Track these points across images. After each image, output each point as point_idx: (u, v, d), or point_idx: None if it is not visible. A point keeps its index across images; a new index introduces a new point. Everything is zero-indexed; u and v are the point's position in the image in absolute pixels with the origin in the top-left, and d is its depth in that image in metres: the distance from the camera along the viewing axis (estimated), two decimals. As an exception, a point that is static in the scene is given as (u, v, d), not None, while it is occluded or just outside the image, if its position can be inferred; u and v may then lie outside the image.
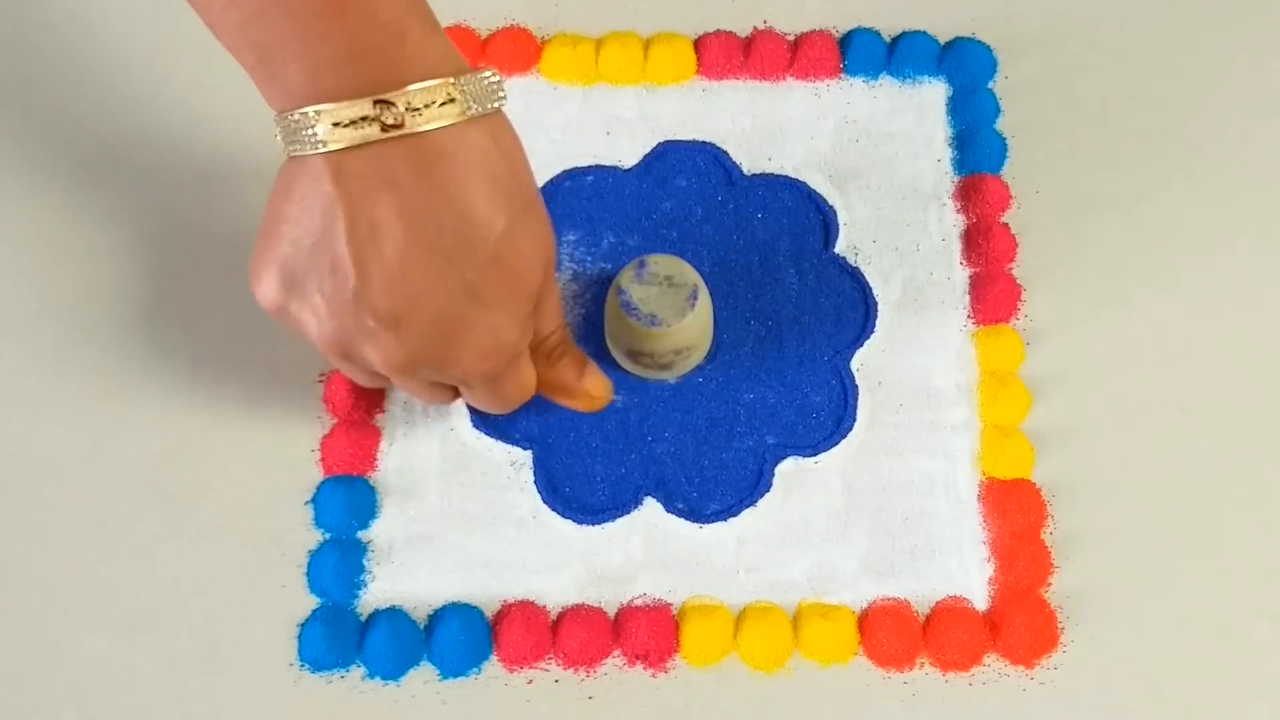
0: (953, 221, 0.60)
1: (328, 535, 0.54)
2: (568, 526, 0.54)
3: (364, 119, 0.44)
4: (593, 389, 0.55)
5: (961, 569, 0.54)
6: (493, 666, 0.52)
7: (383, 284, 0.45)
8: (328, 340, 0.47)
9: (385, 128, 0.44)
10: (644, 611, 0.53)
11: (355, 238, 0.45)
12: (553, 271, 0.50)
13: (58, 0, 0.64)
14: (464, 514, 0.55)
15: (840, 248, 0.59)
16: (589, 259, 0.59)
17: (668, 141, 0.62)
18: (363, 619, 0.53)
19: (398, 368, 0.48)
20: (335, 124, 0.44)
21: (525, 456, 0.56)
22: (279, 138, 0.46)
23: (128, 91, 0.62)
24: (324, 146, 0.44)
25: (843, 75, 0.63)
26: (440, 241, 0.45)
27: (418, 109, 0.44)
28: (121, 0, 0.64)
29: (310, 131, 0.44)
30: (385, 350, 0.47)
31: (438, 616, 0.53)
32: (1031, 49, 0.63)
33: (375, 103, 0.44)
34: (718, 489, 0.55)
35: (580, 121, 0.62)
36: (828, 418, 0.56)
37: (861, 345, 0.57)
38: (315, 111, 0.44)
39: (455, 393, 0.52)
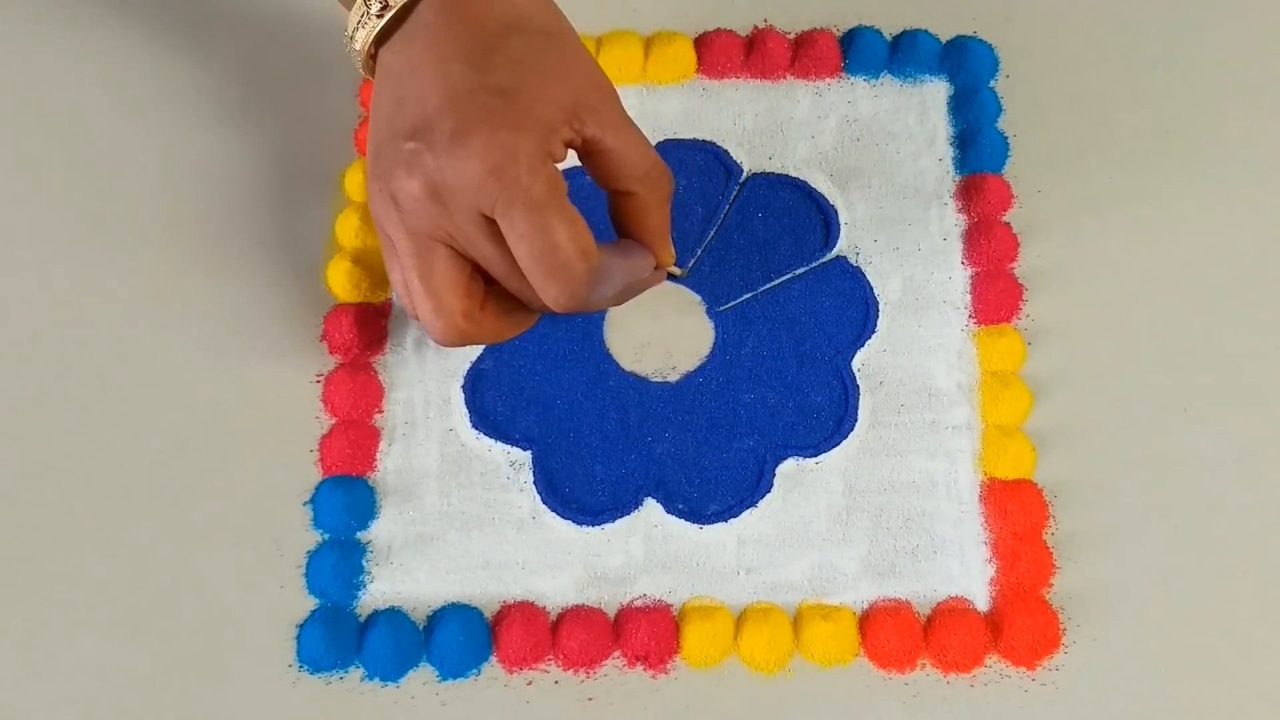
0: (954, 221, 0.60)
1: (326, 536, 0.54)
2: (567, 527, 0.54)
3: (363, 16, 0.51)
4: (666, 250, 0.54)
5: (963, 570, 0.54)
6: (492, 668, 0.52)
7: (411, 107, 0.49)
8: (377, 180, 0.50)
9: (380, 11, 0.50)
10: (644, 612, 0.53)
11: (395, 95, 0.50)
12: (598, 98, 0.50)
13: (56, 2, 0.64)
14: (463, 515, 0.54)
15: (841, 247, 0.59)
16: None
17: (668, 140, 0.61)
18: (362, 620, 0.53)
19: (427, 189, 0.48)
20: (354, 31, 0.51)
21: (525, 457, 0.55)
22: (359, 70, 0.53)
23: (127, 90, 0.62)
24: (360, 55, 0.52)
25: (844, 74, 0.63)
26: (453, 63, 0.49)
27: None
28: (120, 2, 0.64)
29: (353, 49, 0.52)
30: (412, 169, 0.48)
31: (437, 617, 0.53)
32: (1033, 48, 0.63)
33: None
34: (718, 489, 0.55)
35: (580, 121, 0.62)
36: (828, 418, 0.56)
37: (862, 345, 0.57)
38: (346, 29, 0.52)
39: (508, 260, 0.49)
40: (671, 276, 0.56)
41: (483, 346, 0.57)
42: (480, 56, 0.49)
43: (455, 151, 0.48)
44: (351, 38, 0.52)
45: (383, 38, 0.51)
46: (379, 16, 0.51)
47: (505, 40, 0.50)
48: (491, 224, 0.48)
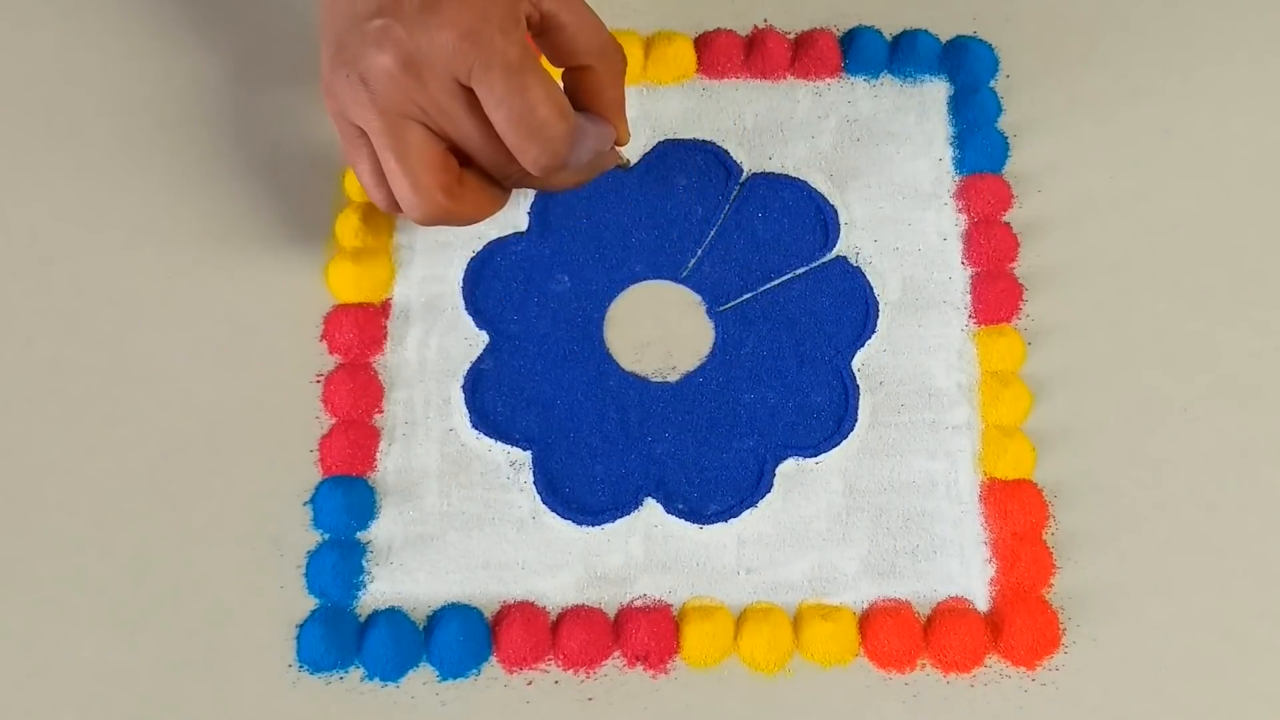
0: (954, 221, 0.60)
1: (326, 536, 0.54)
2: (567, 527, 0.54)
3: None
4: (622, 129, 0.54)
5: (963, 570, 0.54)
6: (492, 668, 0.52)
7: None
8: (342, 65, 0.49)
9: None
10: (644, 612, 0.53)
11: None
12: None
13: (55, 1, 0.64)
14: (463, 515, 0.54)
15: (841, 247, 0.59)
16: (589, 259, 0.59)
17: (668, 140, 0.61)
18: (362, 620, 0.53)
19: (400, 62, 0.47)
20: None
21: (525, 457, 0.55)
22: None
23: (127, 90, 0.62)
24: None
25: (844, 74, 0.63)
26: None
27: None
28: (120, 1, 0.64)
29: None
30: (382, 43, 0.47)
31: (437, 617, 0.53)
32: (1033, 48, 0.63)
33: None
34: (718, 489, 0.55)
35: (580, 120, 0.62)
36: (828, 418, 0.56)
37: (862, 345, 0.57)
38: None
39: (484, 129, 0.49)
40: (619, 168, 0.56)
41: (482, 348, 0.57)
42: None
43: (427, 19, 0.47)
44: None
45: None
46: None
47: None
48: (467, 92, 0.48)
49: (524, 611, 0.53)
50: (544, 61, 0.53)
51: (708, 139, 0.61)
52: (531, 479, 0.55)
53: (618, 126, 0.54)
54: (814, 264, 0.59)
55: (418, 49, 0.48)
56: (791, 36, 0.63)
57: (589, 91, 0.53)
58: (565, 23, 0.51)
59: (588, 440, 0.56)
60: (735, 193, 0.60)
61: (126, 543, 0.54)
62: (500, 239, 0.59)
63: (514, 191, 0.54)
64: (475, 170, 0.52)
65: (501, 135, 0.49)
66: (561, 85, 0.52)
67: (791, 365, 0.57)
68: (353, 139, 0.51)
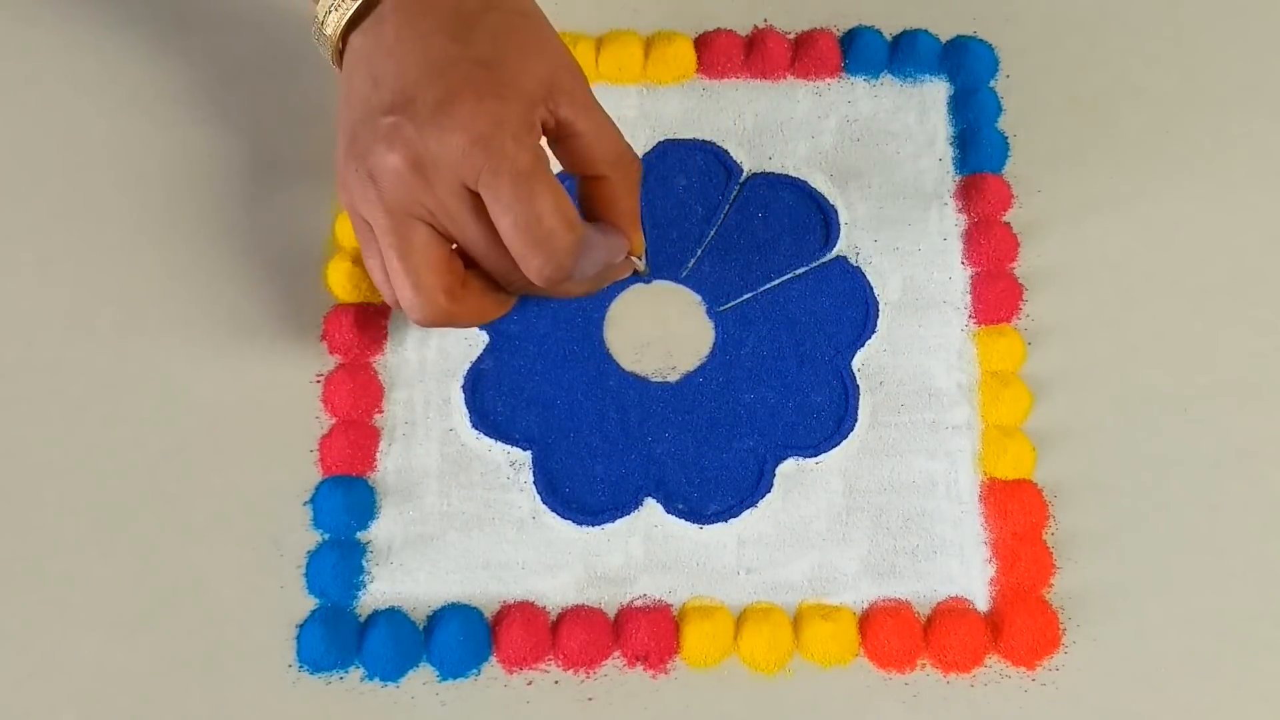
0: (954, 221, 0.60)
1: (326, 536, 0.54)
2: (567, 527, 0.54)
3: (335, 1, 0.50)
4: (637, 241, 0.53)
5: (963, 570, 0.54)
6: (492, 668, 0.52)
7: (389, 83, 0.48)
8: (353, 159, 0.49)
9: None
10: (644, 612, 0.53)
11: (371, 76, 0.49)
12: (571, 81, 0.50)
13: (55, 2, 0.64)
14: (463, 515, 0.54)
15: (841, 247, 0.59)
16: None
17: (668, 140, 0.61)
18: (362, 620, 0.53)
19: (409, 162, 0.47)
20: (325, 16, 0.51)
21: (525, 457, 0.55)
22: (328, 59, 0.53)
23: (127, 89, 0.62)
24: (332, 41, 0.51)
25: (844, 74, 0.63)
26: (432, 36, 0.49)
27: None
28: (119, 1, 0.64)
29: (323, 34, 0.51)
30: (392, 142, 0.47)
31: (437, 617, 0.53)
32: (1033, 48, 0.63)
33: None
34: (718, 489, 0.55)
35: (580, 121, 0.62)
36: (829, 418, 0.56)
37: (862, 345, 0.57)
38: (317, 16, 0.51)
39: (490, 235, 0.49)
40: (636, 275, 0.56)
41: (482, 348, 0.57)
42: (460, 30, 0.49)
43: (439, 121, 0.47)
44: (322, 23, 0.51)
45: (353, 24, 0.51)
46: None
47: (483, 16, 0.49)
48: (474, 197, 0.48)
49: (524, 611, 0.53)
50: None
51: (708, 139, 0.61)
52: (531, 479, 0.55)
53: (631, 237, 0.53)
54: (814, 264, 0.59)
55: (427, 150, 0.47)
56: (791, 36, 0.63)
57: (603, 201, 0.52)
58: (582, 131, 0.50)
59: (588, 440, 0.56)
60: (735, 193, 0.60)
61: (126, 543, 0.54)
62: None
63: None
64: (480, 274, 0.51)
65: (506, 242, 0.48)
66: (576, 192, 0.52)
67: (791, 365, 0.57)
68: (363, 233, 0.51)
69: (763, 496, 0.55)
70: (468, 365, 0.57)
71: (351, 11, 0.51)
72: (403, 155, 0.48)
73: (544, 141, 0.50)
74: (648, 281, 0.58)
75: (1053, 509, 0.54)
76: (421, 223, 0.49)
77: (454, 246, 0.50)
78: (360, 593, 0.53)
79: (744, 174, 0.61)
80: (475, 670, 0.52)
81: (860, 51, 0.63)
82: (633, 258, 0.54)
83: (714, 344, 0.57)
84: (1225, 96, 0.62)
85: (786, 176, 0.61)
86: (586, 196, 0.53)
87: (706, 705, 0.51)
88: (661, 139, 0.61)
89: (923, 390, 0.57)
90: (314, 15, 0.52)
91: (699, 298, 0.58)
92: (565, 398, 0.56)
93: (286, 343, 0.57)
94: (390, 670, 0.52)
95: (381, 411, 0.56)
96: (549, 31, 0.51)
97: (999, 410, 0.56)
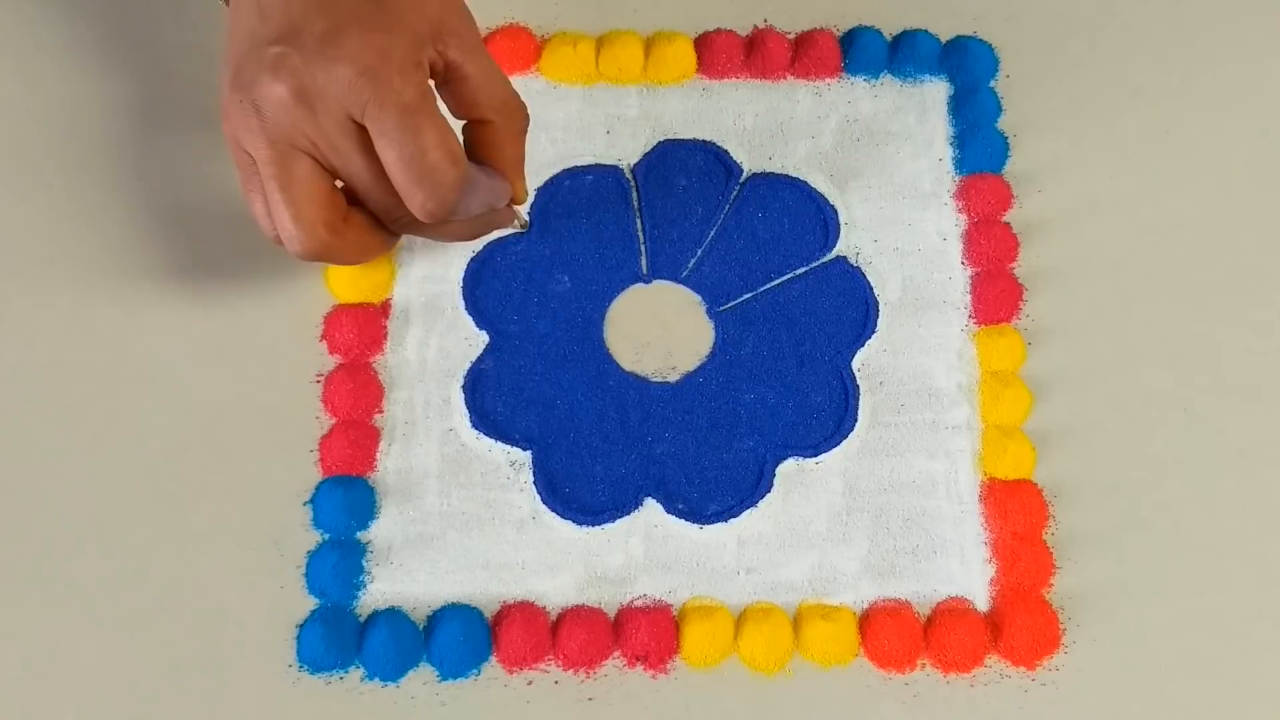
0: (954, 221, 0.60)
1: (326, 536, 0.54)
2: (567, 527, 0.54)
3: None
4: (520, 187, 0.53)
5: (963, 570, 0.54)
6: (492, 668, 0.52)
7: (275, 16, 0.48)
8: (237, 90, 0.48)
9: None
10: (644, 612, 0.53)
11: (257, 8, 0.48)
12: (461, 24, 0.50)
13: (55, 2, 0.64)
14: (463, 515, 0.54)
15: (841, 247, 0.59)
16: (589, 259, 0.59)
17: (668, 140, 0.61)
18: (362, 620, 0.53)
19: (294, 92, 0.47)
20: None
21: (525, 457, 0.55)
22: None
23: (127, 90, 0.62)
24: None
25: (844, 74, 0.63)
26: None
27: None
28: (119, 2, 0.64)
29: None
30: (278, 72, 0.47)
31: (437, 617, 0.53)
32: (1033, 48, 0.63)
33: None
34: (718, 489, 0.55)
35: (580, 121, 0.62)
36: (829, 418, 0.56)
37: (862, 345, 0.57)
38: None
39: (374, 169, 0.49)
40: (519, 230, 0.56)
41: (482, 348, 0.57)
42: None
43: (326, 52, 0.47)
44: None
45: None
46: None
47: None
48: (359, 130, 0.48)
49: (524, 611, 0.53)
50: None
51: (708, 139, 0.61)
52: (531, 479, 0.55)
53: (515, 184, 0.53)
54: (814, 264, 0.59)
55: (314, 80, 0.47)
56: (791, 36, 0.63)
57: (488, 146, 0.52)
58: (469, 74, 0.51)
59: (588, 440, 0.56)
60: (735, 193, 0.60)
61: (126, 543, 0.54)
62: (500, 239, 0.59)
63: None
64: (363, 211, 0.51)
65: (390, 176, 0.48)
66: (461, 138, 0.52)
67: (791, 365, 0.57)
68: (245, 166, 0.50)
69: (763, 496, 0.55)
70: (468, 365, 0.57)
71: None
72: (288, 85, 0.47)
73: (430, 84, 0.50)
74: (526, 234, 0.58)
75: (1053, 509, 0.54)
76: (304, 155, 0.49)
77: (338, 183, 0.50)
78: (360, 593, 0.53)
79: (744, 174, 0.61)
80: (475, 670, 0.52)
81: (860, 51, 0.63)
82: (515, 208, 0.54)
83: (714, 344, 0.57)
84: (1225, 96, 0.62)
85: (786, 176, 0.61)
86: (471, 142, 0.53)
87: (706, 705, 0.51)
88: (661, 139, 0.61)
89: (923, 390, 0.57)
90: None
91: (699, 298, 0.58)
92: (565, 398, 0.56)
93: (286, 343, 0.57)
94: (390, 670, 0.52)
95: (381, 411, 0.56)
96: None
97: (999, 410, 0.56)
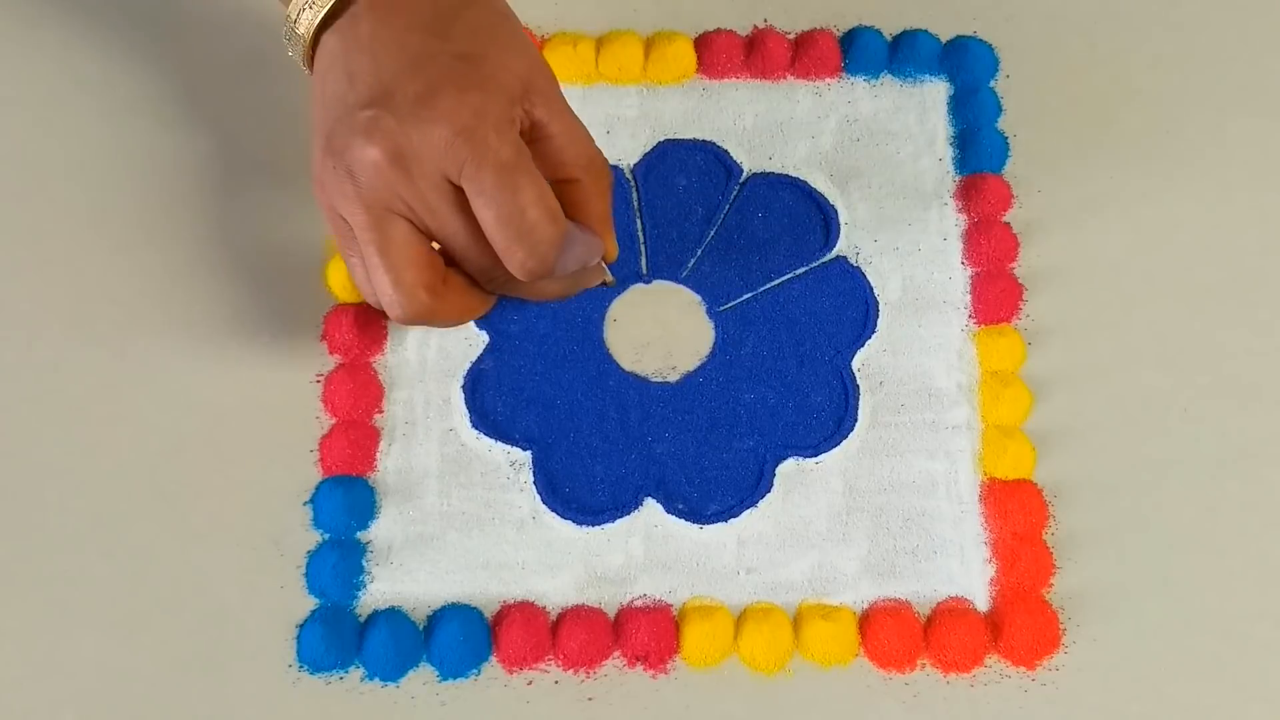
0: (954, 221, 0.60)
1: (326, 536, 0.54)
2: (568, 527, 0.54)
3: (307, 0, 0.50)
4: (611, 243, 0.53)
5: (963, 570, 0.54)
6: (492, 668, 0.52)
7: (365, 79, 0.48)
8: (330, 156, 0.48)
9: None
10: (644, 612, 0.53)
11: (346, 73, 0.49)
12: (545, 83, 0.50)
13: (55, 6, 0.64)
14: (463, 515, 0.54)
15: (841, 247, 0.59)
16: (589, 259, 0.59)
17: (668, 140, 0.61)
18: (362, 620, 0.53)
19: (389, 154, 0.47)
20: (297, 15, 0.50)
21: (525, 457, 0.55)
22: (299, 60, 0.52)
23: (126, 91, 0.62)
24: (304, 40, 0.51)
25: (844, 74, 0.63)
26: (410, 32, 0.48)
27: None
28: (120, 3, 0.64)
29: (295, 34, 0.51)
30: (372, 135, 0.47)
31: (437, 617, 0.53)
32: (1033, 48, 0.63)
33: None
34: (718, 489, 0.55)
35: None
36: (829, 418, 0.56)
37: (862, 345, 0.57)
38: (289, 15, 0.51)
39: (471, 230, 0.49)
40: (605, 285, 0.56)
41: (483, 348, 0.57)
42: (438, 26, 0.49)
43: (420, 113, 0.47)
44: (295, 22, 0.51)
45: (325, 24, 0.50)
46: None
47: (462, 12, 0.49)
48: (456, 191, 0.48)
49: (524, 611, 0.53)
50: None
51: (708, 139, 0.61)
52: (531, 479, 0.55)
53: (606, 240, 0.53)
54: (814, 264, 0.59)
55: (409, 142, 0.47)
56: (791, 36, 0.63)
57: (575, 204, 0.52)
58: (555, 133, 0.50)
59: (588, 440, 0.56)
60: (735, 193, 0.60)
61: (126, 543, 0.54)
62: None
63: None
64: (460, 272, 0.51)
65: (489, 236, 0.48)
66: None
67: (791, 365, 0.57)
68: (343, 233, 0.50)
69: (763, 496, 0.55)
70: (468, 365, 0.57)
71: (325, 10, 0.50)
72: (383, 148, 0.47)
73: None
74: (617, 291, 0.58)
75: (1053, 509, 0.54)
76: (401, 218, 0.49)
77: (435, 245, 0.50)
78: (360, 593, 0.53)
79: (744, 174, 0.61)
80: (475, 670, 0.52)
81: (860, 51, 0.63)
82: (603, 265, 0.54)
83: (714, 344, 0.57)
84: (1225, 96, 0.62)
85: (786, 176, 0.61)
86: (560, 200, 0.52)
87: (706, 705, 0.51)
88: (661, 139, 0.61)
89: (923, 390, 0.57)
90: (285, 15, 0.51)
91: (699, 298, 0.58)
92: (565, 398, 0.56)
93: (286, 343, 0.57)
94: (390, 670, 0.52)
95: (381, 411, 0.56)
96: (522, 31, 0.52)
97: (999, 410, 0.56)
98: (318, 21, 0.50)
